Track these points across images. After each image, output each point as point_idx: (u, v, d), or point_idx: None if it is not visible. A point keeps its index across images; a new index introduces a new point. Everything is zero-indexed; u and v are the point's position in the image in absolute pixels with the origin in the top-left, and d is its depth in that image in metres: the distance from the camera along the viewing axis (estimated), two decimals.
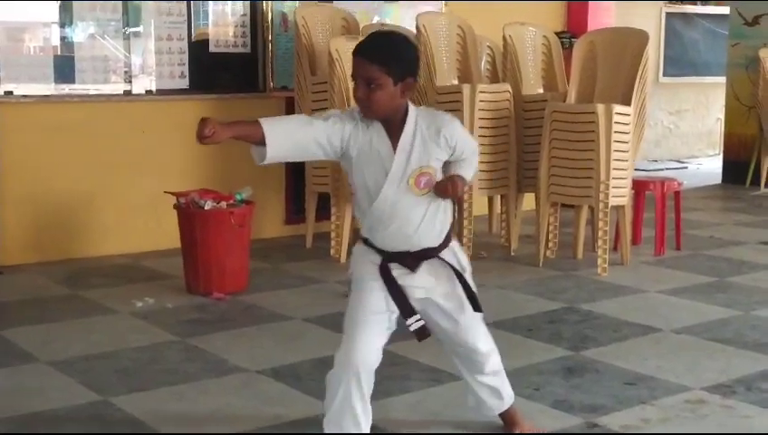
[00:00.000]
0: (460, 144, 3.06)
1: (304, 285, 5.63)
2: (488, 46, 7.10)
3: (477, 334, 3.24)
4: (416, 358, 4.23)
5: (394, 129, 2.98)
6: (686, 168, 11.49)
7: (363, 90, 2.90)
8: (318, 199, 6.59)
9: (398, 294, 3.01)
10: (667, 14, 12.18)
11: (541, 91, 6.79)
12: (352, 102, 6.12)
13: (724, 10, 10.99)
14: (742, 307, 5.14)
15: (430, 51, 6.43)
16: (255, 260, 5.70)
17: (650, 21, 11.65)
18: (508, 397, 3.39)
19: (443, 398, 3.78)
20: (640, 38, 6.26)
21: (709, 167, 11.34)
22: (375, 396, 3.70)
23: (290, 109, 6.90)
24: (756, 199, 9.12)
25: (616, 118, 5.81)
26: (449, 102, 6.22)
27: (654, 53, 11.81)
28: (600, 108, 5.80)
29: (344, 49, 6.17)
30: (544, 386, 3.89)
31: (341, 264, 6.08)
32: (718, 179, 10.30)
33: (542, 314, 5.00)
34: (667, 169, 11.07)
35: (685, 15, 12.36)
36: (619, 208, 6.07)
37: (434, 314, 3.15)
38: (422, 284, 3.08)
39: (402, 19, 7.47)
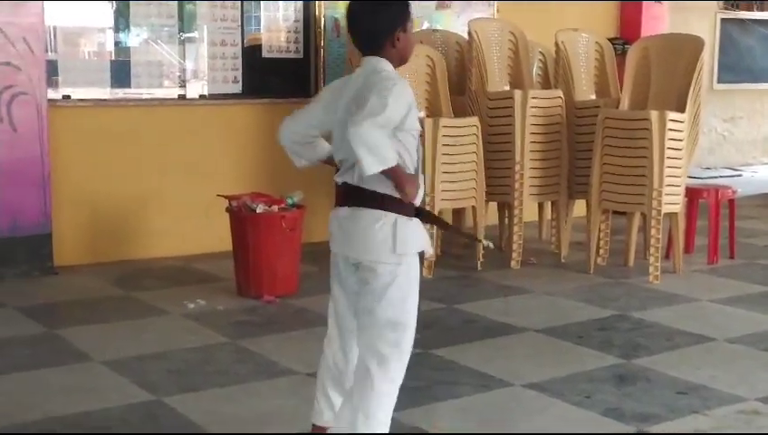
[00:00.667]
0: None
1: None
2: (540, 52, 7.07)
3: None
4: (465, 363, 4.23)
5: None
6: (740, 175, 11.31)
7: None
8: None
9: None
10: (722, 19, 12.01)
11: (593, 97, 6.74)
12: None
13: None
14: None
15: (482, 56, 6.42)
16: (306, 264, 5.73)
17: (705, 27, 11.49)
18: None
19: (492, 403, 3.77)
20: (695, 44, 6.20)
21: (764, 174, 11.17)
22: (423, 401, 3.73)
23: None
24: None
25: (670, 125, 5.75)
26: (501, 108, 6.22)
27: (708, 60, 11.64)
28: (654, 114, 5.74)
29: None
30: (595, 394, 3.86)
31: None
32: None
33: (592, 322, 4.97)
34: (720, 176, 10.91)
35: (740, 21, 12.18)
36: (671, 216, 6.01)
37: None
38: None
39: (453, 25, 7.47)
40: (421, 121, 5.82)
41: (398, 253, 2.89)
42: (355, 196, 2.92)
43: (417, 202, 2.97)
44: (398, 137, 2.85)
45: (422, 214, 3.02)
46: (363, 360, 2.95)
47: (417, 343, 4.45)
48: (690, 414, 3.65)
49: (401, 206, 2.90)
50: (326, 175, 6.88)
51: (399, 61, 2.99)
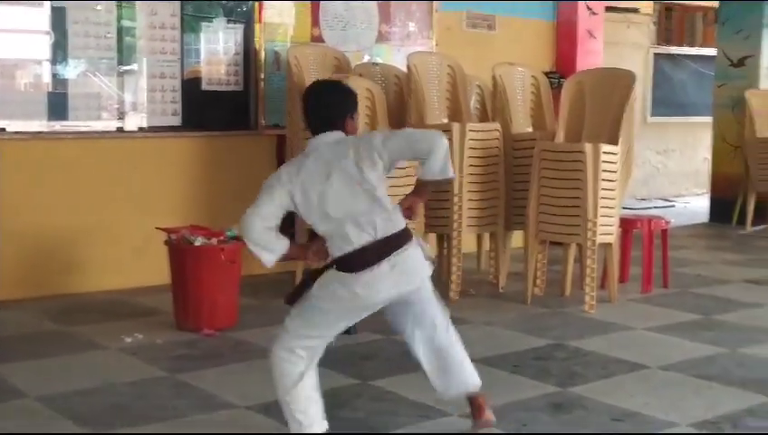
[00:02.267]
0: None
1: None
2: (477, 85, 7.19)
3: None
4: (404, 394, 4.25)
5: None
6: (673, 206, 11.58)
7: None
8: (309, 236, 6.62)
9: None
10: (655, 54, 12.34)
11: (530, 129, 6.87)
12: None
13: (712, 51, 11.13)
14: (728, 345, 5.18)
15: (421, 89, 6.52)
16: (245, 297, 5.72)
17: (638, 62, 11.80)
18: None
19: (433, 431, 3.79)
20: (628, 78, 6.36)
21: (696, 205, 11.43)
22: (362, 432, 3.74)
23: (281, 147, 6.96)
24: (743, 238, 9.19)
25: (603, 157, 5.88)
26: None
27: (642, 94, 11.94)
28: (588, 147, 5.87)
29: None
30: (532, 423, 3.92)
31: None
32: (705, 218, 10.37)
33: (529, 351, 5.03)
34: (654, 207, 11.15)
35: (672, 57, 12.52)
36: (606, 246, 6.13)
37: None
38: None
39: (393, 58, 7.56)
40: None
41: (429, 259, 3.43)
42: (392, 244, 3.29)
43: None
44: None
45: None
46: (444, 333, 3.57)
47: (355, 375, 4.51)
48: None
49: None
50: None
51: None
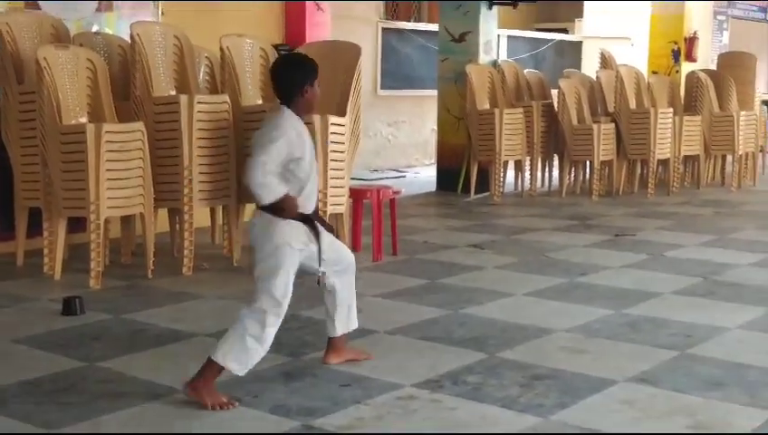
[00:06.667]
0: None
1: (14, 304, 5.34)
2: (207, 57, 7.08)
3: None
4: (133, 373, 4.14)
5: None
6: (404, 176, 12.00)
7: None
8: (29, 214, 6.29)
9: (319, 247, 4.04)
10: (383, 29, 12.69)
11: (260, 102, 6.85)
12: (64, 112, 5.90)
13: (435, 27, 11.58)
14: (451, 307, 5.44)
15: (146, 61, 6.32)
16: None
17: (368, 35, 12.09)
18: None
19: (158, 412, 3.72)
20: (353, 51, 6.50)
21: (425, 175, 11.91)
22: (86, 416, 3.62)
23: None
24: (467, 205, 9.69)
25: (332, 129, 5.99)
26: (166, 113, 6.15)
27: (372, 67, 12.26)
28: (317, 119, 5.95)
29: (53, 57, 5.94)
30: (263, 392, 3.94)
31: (55, 281, 5.84)
32: (434, 187, 10.83)
33: None
34: (386, 178, 11.51)
35: (399, 31, 12.93)
36: (337, 216, 6.25)
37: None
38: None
39: (118, 28, 7.28)
40: (82, 127, 5.65)
41: None
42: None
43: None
44: None
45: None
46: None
47: (82, 357, 4.34)
48: (353, 405, 3.82)
49: None
50: None
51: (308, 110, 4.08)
